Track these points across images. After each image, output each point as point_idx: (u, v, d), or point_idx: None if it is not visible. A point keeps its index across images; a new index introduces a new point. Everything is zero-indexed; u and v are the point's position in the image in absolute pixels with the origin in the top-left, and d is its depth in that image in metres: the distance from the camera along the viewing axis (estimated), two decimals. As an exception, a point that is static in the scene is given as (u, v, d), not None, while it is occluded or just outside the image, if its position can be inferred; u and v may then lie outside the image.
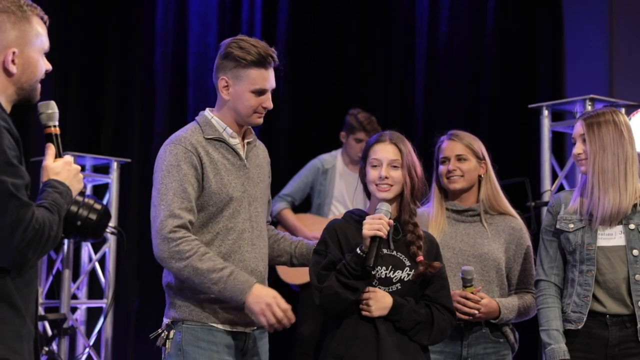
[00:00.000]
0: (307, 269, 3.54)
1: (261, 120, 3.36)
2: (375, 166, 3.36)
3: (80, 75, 6.99)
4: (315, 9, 7.45)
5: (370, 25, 7.40)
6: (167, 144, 3.31)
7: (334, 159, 6.33)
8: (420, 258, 3.30)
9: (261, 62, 3.29)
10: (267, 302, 3.14)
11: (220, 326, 3.27)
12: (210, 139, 3.31)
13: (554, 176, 5.36)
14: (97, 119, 7.11)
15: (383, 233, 3.20)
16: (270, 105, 3.34)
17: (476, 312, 3.60)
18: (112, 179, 6.08)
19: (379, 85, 7.36)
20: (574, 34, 6.83)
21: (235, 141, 3.36)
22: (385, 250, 3.29)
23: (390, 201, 3.34)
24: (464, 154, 3.81)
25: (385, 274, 3.30)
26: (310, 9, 7.44)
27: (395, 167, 3.34)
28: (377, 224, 3.20)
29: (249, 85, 3.29)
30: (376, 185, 3.35)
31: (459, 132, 3.87)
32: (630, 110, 4.94)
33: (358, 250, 3.21)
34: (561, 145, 6.13)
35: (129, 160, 6.30)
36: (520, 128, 6.66)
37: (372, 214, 3.29)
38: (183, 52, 7.26)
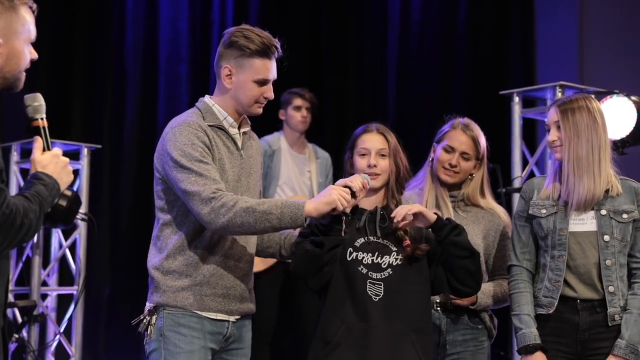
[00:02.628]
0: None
1: (261, 110, 3.35)
2: (364, 155, 3.45)
3: (50, 60, 6.93)
4: (286, -4, 7.43)
5: (343, 12, 7.38)
6: (174, 127, 3.25)
7: (278, 140, 6.26)
8: (407, 242, 3.33)
9: (265, 52, 3.29)
10: (330, 191, 3.13)
11: (203, 313, 3.24)
12: (211, 125, 3.28)
13: (525, 163, 5.39)
14: (68, 105, 7.06)
15: (354, 185, 3.21)
16: (271, 95, 3.33)
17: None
18: (83, 165, 6.05)
19: (350, 72, 7.36)
20: (544, 21, 6.85)
21: (235, 131, 3.35)
22: (371, 238, 3.35)
23: (376, 190, 3.42)
24: (469, 153, 3.81)
25: (372, 260, 3.33)
26: (282, -4, 7.42)
27: (383, 155, 3.44)
28: (349, 179, 3.25)
29: (252, 75, 3.28)
30: (364, 173, 3.38)
31: (472, 125, 3.86)
32: (599, 97, 4.96)
33: None
34: (532, 131, 6.16)
35: (99, 146, 6.26)
36: (491, 115, 6.68)
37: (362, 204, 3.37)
38: (154, 37, 7.22)
